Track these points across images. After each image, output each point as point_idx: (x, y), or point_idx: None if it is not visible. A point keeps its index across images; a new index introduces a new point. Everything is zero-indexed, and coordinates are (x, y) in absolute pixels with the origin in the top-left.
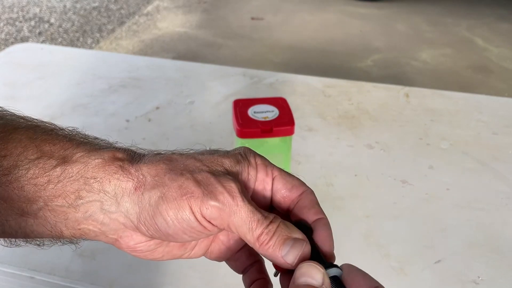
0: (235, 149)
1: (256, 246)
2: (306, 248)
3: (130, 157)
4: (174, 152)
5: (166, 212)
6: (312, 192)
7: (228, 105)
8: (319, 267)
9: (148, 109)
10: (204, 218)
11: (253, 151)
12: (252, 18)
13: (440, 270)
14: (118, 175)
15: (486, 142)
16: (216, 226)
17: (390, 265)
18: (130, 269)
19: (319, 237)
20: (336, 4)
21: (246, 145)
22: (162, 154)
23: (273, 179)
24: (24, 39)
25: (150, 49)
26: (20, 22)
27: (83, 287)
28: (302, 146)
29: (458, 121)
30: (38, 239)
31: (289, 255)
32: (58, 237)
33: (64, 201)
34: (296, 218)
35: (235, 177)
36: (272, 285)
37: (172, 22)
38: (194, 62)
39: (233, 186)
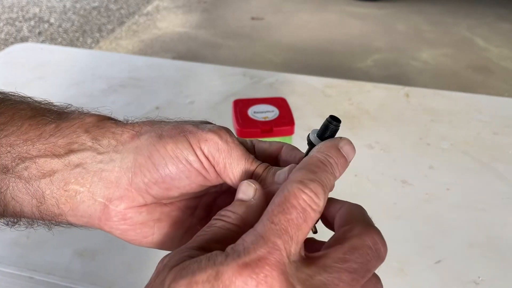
0: None
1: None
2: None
3: (123, 120)
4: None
5: (164, 147)
6: (290, 144)
7: (228, 105)
8: (252, 183)
9: (148, 109)
10: (203, 152)
11: None
12: (252, 18)
13: (440, 270)
14: (113, 129)
15: (486, 142)
16: (213, 166)
17: (390, 265)
18: (130, 269)
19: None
20: (336, 4)
21: None
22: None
23: (253, 145)
24: (23, 39)
25: (150, 49)
26: (20, 22)
27: (83, 287)
28: (302, 146)
29: (458, 121)
30: (14, 217)
31: (281, 175)
32: (38, 204)
33: (53, 155)
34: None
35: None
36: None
37: (172, 22)
38: (194, 62)
39: (224, 130)
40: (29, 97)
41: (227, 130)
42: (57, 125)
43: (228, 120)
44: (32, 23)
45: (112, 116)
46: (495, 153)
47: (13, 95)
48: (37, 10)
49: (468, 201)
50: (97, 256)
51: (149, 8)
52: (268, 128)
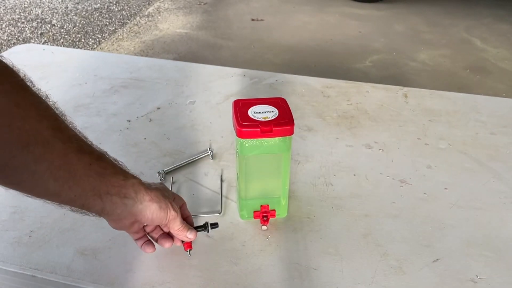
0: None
1: (178, 232)
2: (193, 231)
3: (144, 183)
4: (158, 186)
5: (158, 213)
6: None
7: (228, 105)
8: (193, 232)
9: (149, 109)
10: (170, 217)
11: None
12: (252, 19)
13: (438, 269)
14: (143, 192)
15: (484, 142)
16: (168, 219)
17: (389, 264)
18: (130, 268)
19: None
20: (335, 6)
21: (246, 145)
22: (155, 184)
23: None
24: (26, 40)
25: (151, 50)
26: (22, 23)
27: (85, 285)
28: (301, 146)
29: (456, 121)
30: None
31: (190, 234)
32: (100, 212)
33: (118, 196)
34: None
35: (177, 202)
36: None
37: (173, 23)
38: (194, 63)
39: (177, 209)
40: (112, 158)
41: (178, 210)
42: (125, 182)
43: (228, 120)
44: (34, 24)
45: (141, 180)
46: (492, 153)
47: (107, 156)
48: (39, 11)
49: (466, 201)
50: (99, 255)
51: (150, 9)
52: (268, 128)
